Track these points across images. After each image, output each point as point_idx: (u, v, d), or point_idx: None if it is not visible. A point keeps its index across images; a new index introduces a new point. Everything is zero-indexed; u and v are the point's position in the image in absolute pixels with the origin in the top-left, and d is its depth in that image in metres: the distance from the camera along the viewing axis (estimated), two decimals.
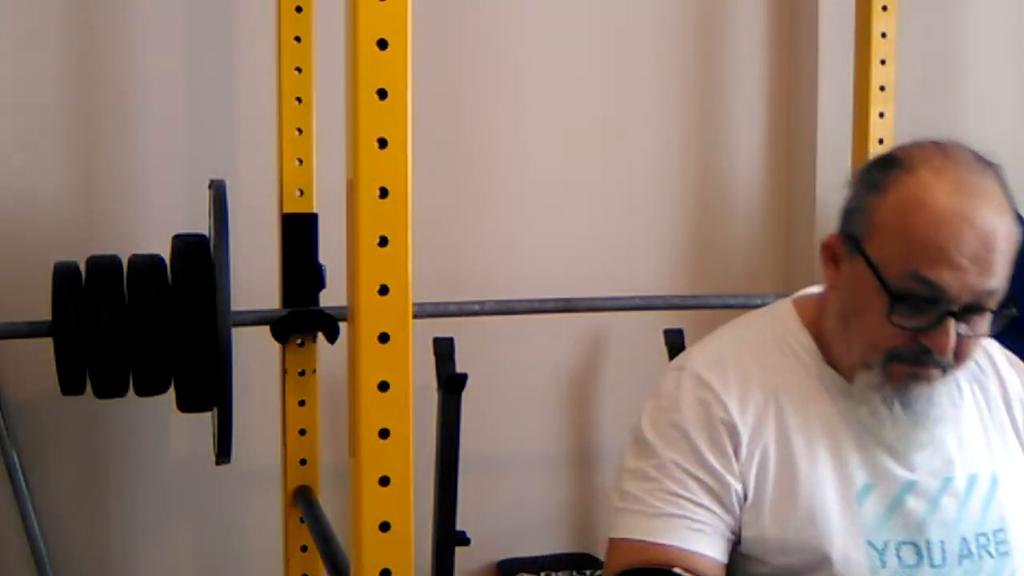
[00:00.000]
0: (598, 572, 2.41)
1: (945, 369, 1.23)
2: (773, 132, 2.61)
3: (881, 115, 2.35)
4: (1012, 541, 1.29)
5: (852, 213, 1.26)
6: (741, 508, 1.25)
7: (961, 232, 1.17)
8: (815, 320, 1.32)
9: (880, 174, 1.24)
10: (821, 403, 1.28)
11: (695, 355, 1.34)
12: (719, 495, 1.24)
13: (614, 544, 1.26)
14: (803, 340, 1.31)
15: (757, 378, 1.29)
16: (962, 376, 1.33)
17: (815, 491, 1.24)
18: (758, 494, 1.24)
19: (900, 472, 1.27)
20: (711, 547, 1.23)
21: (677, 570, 1.19)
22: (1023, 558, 1.29)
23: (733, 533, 1.25)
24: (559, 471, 2.50)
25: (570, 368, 2.51)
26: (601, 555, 2.48)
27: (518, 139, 2.43)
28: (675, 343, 2.28)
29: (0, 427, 2.08)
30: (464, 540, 2.08)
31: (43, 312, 1.85)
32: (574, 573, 2.42)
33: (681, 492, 1.23)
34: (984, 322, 1.22)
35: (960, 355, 1.22)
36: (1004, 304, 1.22)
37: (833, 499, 1.25)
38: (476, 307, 2.16)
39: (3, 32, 2.13)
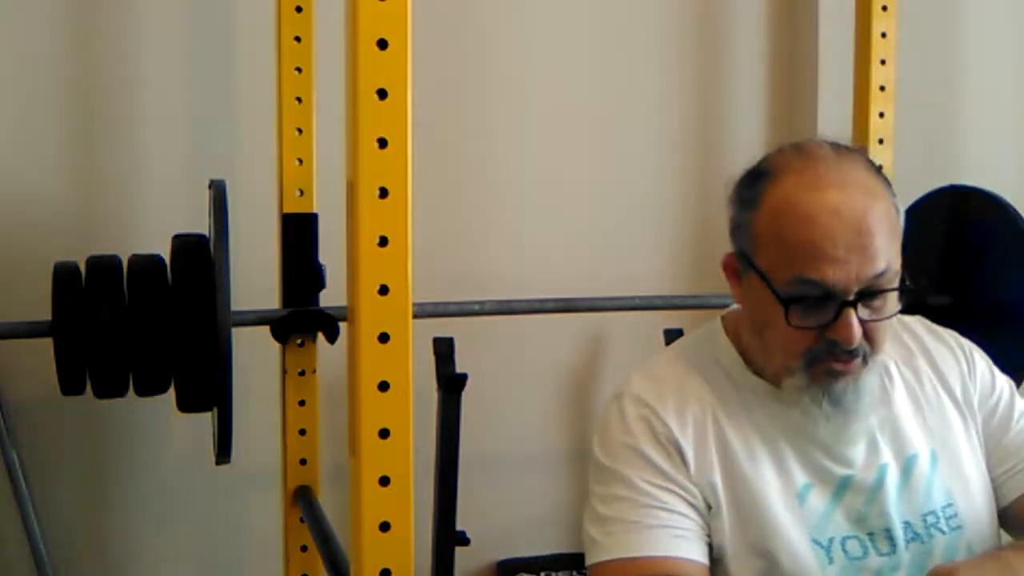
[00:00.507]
0: None
1: (865, 358, 1.26)
2: (773, 132, 2.60)
3: (881, 115, 2.36)
4: (963, 515, 1.32)
5: (737, 231, 1.31)
6: (708, 513, 1.28)
7: (831, 227, 1.20)
8: (738, 334, 1.36)
9: (751, 190, 1.29)
10: (753, 412, 1.31)
11: (632, 380, 1.37)
12: (689, 500, 1.27)
13: (600, 569, 1.27)
14: (730, 353, 1.35)
15: (693, 394, 1.32)
16: (891, 360, 1.36)
17: (760, 497, 1.27)
18: (714, 504, 1.27)
19: (836, 469, 1.30)
20: (695, 551, 1.25)
21: None
22: (978, 529, 1.32)
23: (708, 536, 1.28)
24: (559, 471, 2.50)
25: (570, 368, 2.51)
26: None
27: (518, 139, 2.43)
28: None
29: (0, 427, 2.08)
30: (464, 540, 2.07)
31: (43, 312, 1.85)
32: (574, 573, 2.42)
33: (654, 504, 1.26)
34: (885, 303, 1.25)
35: (874, 340, 1.25)
36: (903, 280, 1.25)
37: (778, 503, 1.28)
38: (476, 307, 2.16)
39: (3, 32, 2.13)
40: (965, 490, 1.33)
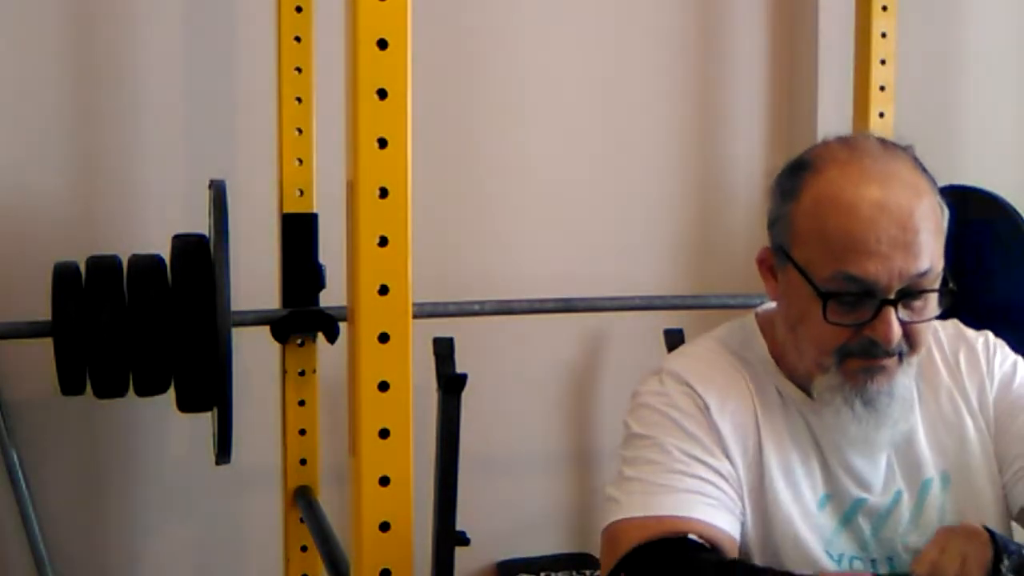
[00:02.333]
0: (598, 572, 2.40)
1: (901, 357, 1.22)
2: (773, 132, 2.60)
3: (881, 115, 2.35)
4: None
5: (776, 224, 1.27)
6: (741, 493, 1.24)
7: (876, 221, 1.17)
8: (772, 334, 1.32)
9: (792, 181, 1.25)
10: (784, 413, 1.28)
11: (671, 360, 1.34)
12: (723, 475, 1.22)
13: (617, 527, 1.21)
14: (763, 353, 1.31)
15: (733, 382, 1.29)
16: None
17: (784, 498, 1.24)
18: (739, 485, 1.24)
19: (853, 489, 1.27)
20: (724, 521, 1.20)
21: (692, 536, 1.16)
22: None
23: (741, 512, 1.23)
24: (559, 471, 2.50)
25: (570, 368, 2.51)
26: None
27: (518, 139, 2.43)
28: (675, 343, 2.28)
29: (0, 427, 2.08)
30: (464, 540, 2.07)
31: (43, 312, 1.85)
32: (574, 573, 2.42)
33: (686, 470, 1.21)
34: (926, 304, 1.22)
35: (912, 341, 1.22)
36: (944, 282, 1.22)
37: (799, 508, 1.25)
38: (476, 307, 2.16)
39: (3, 32, 2.13)
40: (977, 510, 1.29)
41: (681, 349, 1.39)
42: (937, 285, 1.21)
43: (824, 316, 1.19)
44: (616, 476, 1.26)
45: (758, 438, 1.26)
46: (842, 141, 1.25)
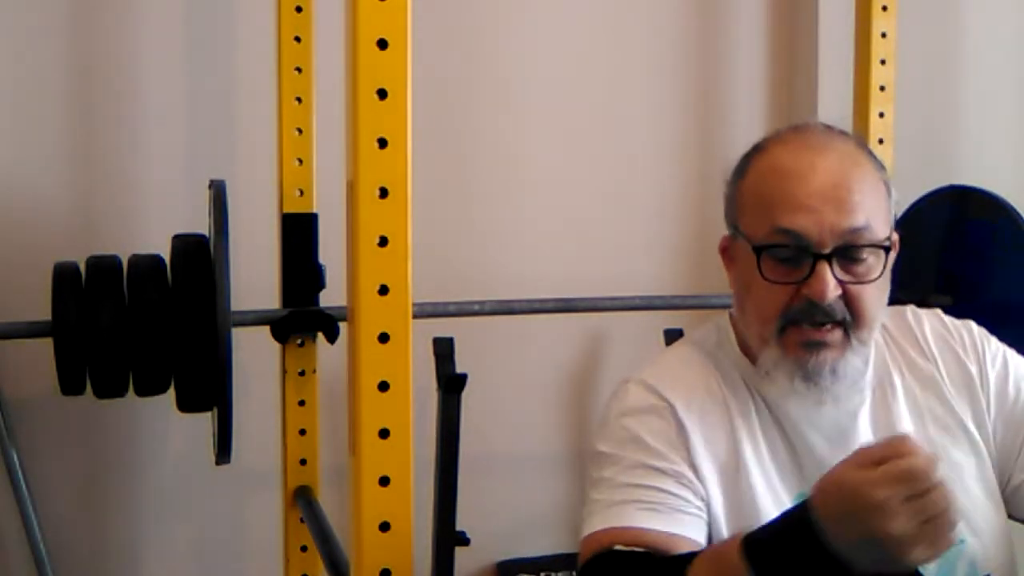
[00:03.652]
0: None
1: (847, 331, 1.21)
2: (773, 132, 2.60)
3: (881, 115, 2.35)
4: (962, 528, 1.24)
5: (728, 205, 1.31)
6: (705, 501, 1.23)
7: (806, 176, 1.20)
8: (739, 327, 1.33)
9: (741, 164, 1.30)
10: (756, 410, 1.28)
11: (641, 370, 1.35)
12: (686, 483, 1.22)
13: (585, 542, 1.23)
14: (732, 350, 1.32)
15: (703, 385, 1.29)
16: (895, 368, 1.32)
17: (762, 492, 1.24)
18: (712, 496, 1.23)
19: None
20: (659, 522, 1.20)
21: (617, 547, 1.17)
22: (980, 541, 1.27)
23: (703, 512, 1.23)
24: (559, 471, 2.50)
25: (570, 368, 2.51)
26: None
27: (518, 139, 2.43)
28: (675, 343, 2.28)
29: (0, 427, 2.08)
30: (464, 540, 2.07)
31: (43, 312, 1.85)
32: (574, 573, 2.42)
33: (648, 483, 1.22)
34: (868, 267, 1.22)
35: (855, 308, 1.21)
36: (887, 241, 1.22)
37: (777, 502, 1.24)
38: (476, 307, 2.16)
39: (3, 32, 2.13)
40: (966, 504, 1.25)
41: (655, 358, 1.41)
42: (878, 246, 1.22)
43: (760, 272, 1.21)
44: (586, 499, 1.28)
45: (733, 437, 1.26)
46: (791, 126, 1.32)
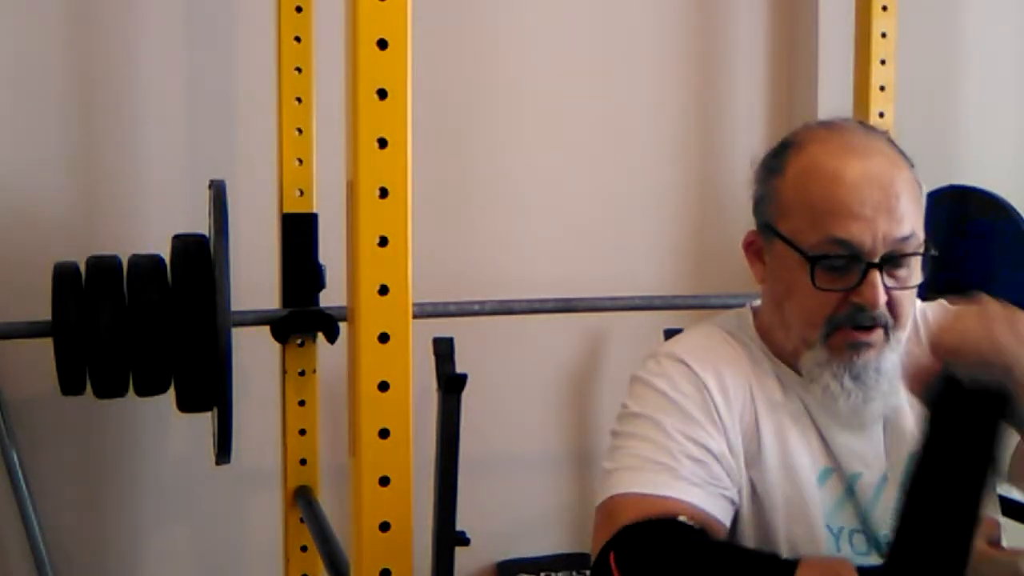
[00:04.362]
0: None
1: (887, 332, 1.24)
2: (773, 132, 2.60)
3: (881, 115, 2.35)
4: None
5: (761, 202, 1.32)
6: (736, 472, 1.25)
7: (859, 186, 1.21)
8: (762, 324, 1.35)
9: (776, 160, 1.30)
10: (781, 389, 1.30)
11: (668, 345, 1.36)
12: (715, 454, 1.23)
13: (612, 502, 1.23)
14: (755, 337, 1.34)
15: (730, 361, 1.30)
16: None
17: (785, 473, 1.26)
18: (739, 469, 1.25)
19: (851, 464, 1.28)
20: (714, 505, 1.21)
21: (682, 518, 1.17)
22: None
23: (735, 497, 1.24)
24: (559, 471, 2.50)
25: (570, 368, 2.51)
26: None
27: (518, 139, 2.43)
28: None
29: (0, 427, 2.08)
30: (464, 540, 2.07)
31: (43, 312, 1.85)
32: (574, 573, 2.42)
33: (680, 449, 1.22)
34: (910, 271, 1.25)
35: (896, 312, 1.24)
36: (926, 249, 1.25)
37: (799, 481, 1.26)
38: (476, 307, 2.16)
39: (3, 32, 2.13)
40: None
41: (678, 336, 1.41)
42: (916, 251, 1.24)
43: (812, 281, 1.22)
44: (610, 451, 1.28)
45: (755, 413, 1.27)
46: (822, 123, 1.32)
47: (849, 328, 1.23)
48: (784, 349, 1.30)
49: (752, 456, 1.26)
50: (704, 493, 1.21)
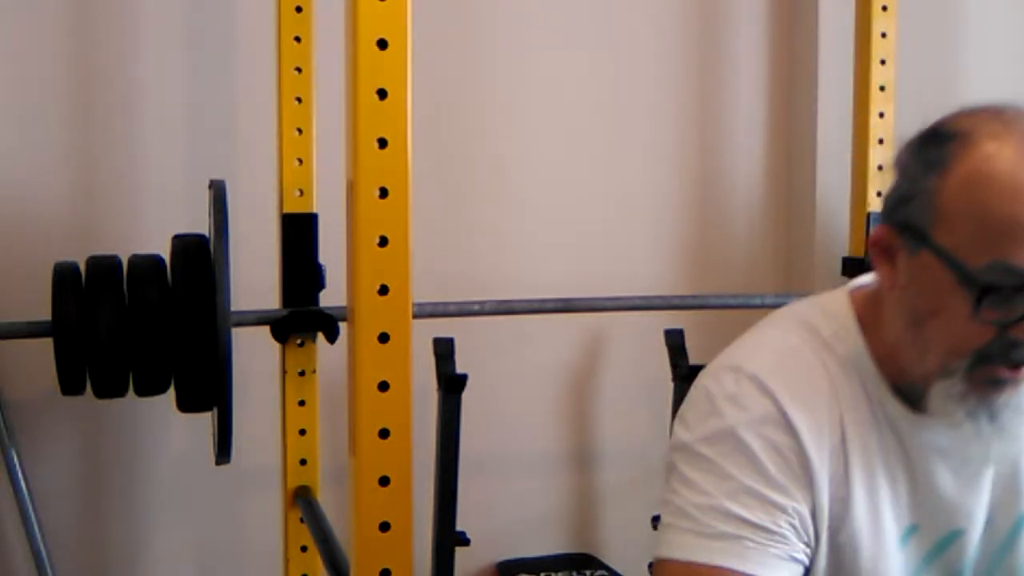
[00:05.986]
0: (598, 572, 2.41)
1: None
2: (773, 132, 2.61)
3: (881, 115, 2.35)
4: None
5: (909, 200, 1.07)
6: (812, 532, 1.10)
7: None
8: (871, 323, 1.15)
9: (935, 151, 1.06)
10: (875, 427, 1.13)
11: (750, 358, 1.15)
12: (788, 512, 1.08)
13: (663, 565, 1.10)
14: (857, 350, 1.14)
15: (823, 392, 1.12)
16: None
17: (866, 529, 1.11)
18: (821, 537, 1.10)
19: (948, 518, 1.14)
20: (774, 571, 1.07)
21: None
22: None
23: (806, 556, 1.09)
24: (559, 471, 2.50)
25: (570, 368, 2.51)
26: (601, 556, 2.49)
27: (518, 139, 2.43)
28: (675, 343, 2.28)
29: (0, 427, 2.08)
30: (464, 540, 2.08)
31: (43, 312, 1.85)
32: (574, 573, 2.42)
33: (740, 511, 1.07)
34: None
35: None
36: None
37: (881, 540, 1.12)
38: (476, 307, 2.16)
39: (3, 32, 2.13)
40: None
41: (760, 336, 1.19)
42: None
43: (975, 311, 1.01)
44: (670, 493, 1.12)
45: (845, 460, 1.11)
46: (989, 111, 1.07)
47: (998, 363, 1.05)
48: (906, 372, 1.11)
49: (838, 519, 1.10)
50: (769, 561, 1.07)
